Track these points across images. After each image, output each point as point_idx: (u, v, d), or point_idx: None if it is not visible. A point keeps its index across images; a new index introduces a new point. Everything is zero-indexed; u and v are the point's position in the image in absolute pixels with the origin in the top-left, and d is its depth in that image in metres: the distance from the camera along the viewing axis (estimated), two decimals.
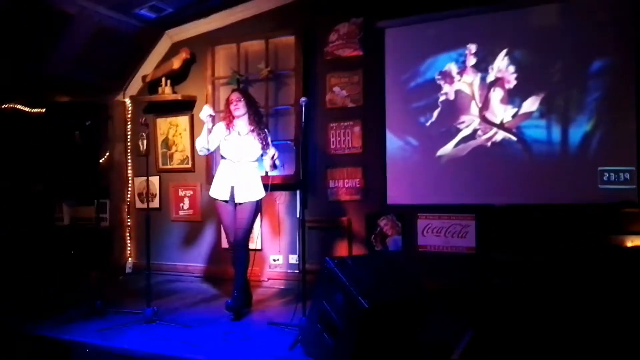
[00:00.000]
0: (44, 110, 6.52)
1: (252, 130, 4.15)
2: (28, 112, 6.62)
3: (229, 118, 4.18)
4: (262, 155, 4.19)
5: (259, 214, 4.40)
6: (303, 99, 3.78)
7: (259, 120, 4.22)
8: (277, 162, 4.20)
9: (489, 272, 4.35)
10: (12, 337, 3.85)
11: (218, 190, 4.18)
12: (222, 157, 4.21)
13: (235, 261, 4.16)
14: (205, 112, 4.10)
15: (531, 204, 4.33)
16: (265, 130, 4.25)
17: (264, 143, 4.15)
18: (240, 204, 4.13)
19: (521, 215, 4.35)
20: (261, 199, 4.21)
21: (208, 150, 4.20)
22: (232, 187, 4.12)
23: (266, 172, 4.24)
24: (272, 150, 4.20)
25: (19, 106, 6.60)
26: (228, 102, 4.20)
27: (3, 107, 6.61)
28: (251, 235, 4.29)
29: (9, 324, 4.00)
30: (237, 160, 4.14)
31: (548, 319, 3.65)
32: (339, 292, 3.04)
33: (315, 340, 3.17)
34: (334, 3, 5.01)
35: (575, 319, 3.54)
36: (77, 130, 6.00)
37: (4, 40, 4.65)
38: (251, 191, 4.13)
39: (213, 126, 4.17)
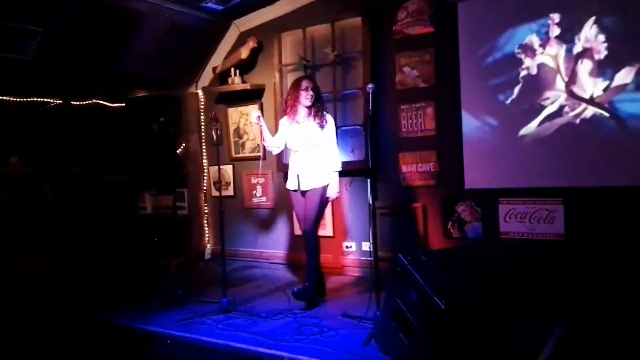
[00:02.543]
0: (123, 104, 6.80)
1: (309, 114, 4.08)
2: (109, 106, 6.94)
3: (295, 106, 4.11)
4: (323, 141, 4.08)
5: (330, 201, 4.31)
6: (370, 85, 3.63)
7: (319, 105, 4.12)
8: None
9: (581, 261, 4.04)
10: (95, 327, 4.06)
11: (289, 181, 4.23)
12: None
13: (306, 250, 4.16)
14: (254, 115, 4.13)
15: (626, 185, 3.93)
16: (325, 114, 4.14)
17: (321, 121, 4.06)
18: (307, 191, 4.10)
19: (615, 198, 3.98)
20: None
21: (278, 147, 4.25)
22: (297, 176, 4.12)
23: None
24: (332, 152, 4.11)
25: (100, 101, 6.94)
26: (298, 89, 4.09)
27: (86, 102, 6.98)
28: (321, 222, 4.24)
29: (93, 313, 4.22)
30: (299, 148, 4.12)
31: None
32: (413, 291, 2.91)
33: (389, 338, 3.07)
34: None
35: None
36: (154, 123, 6.19)
37: (82, 41, 4.83)
38: (315, 178, 4.08)
39: (263, 122, 4.14)
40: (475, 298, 3.06)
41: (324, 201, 4.14)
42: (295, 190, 4.18)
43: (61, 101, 6.87)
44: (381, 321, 3.28)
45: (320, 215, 4.17)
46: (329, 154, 4.11)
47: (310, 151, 4.09)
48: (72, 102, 6.96)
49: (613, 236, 3.95)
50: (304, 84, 4.09)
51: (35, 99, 6.60)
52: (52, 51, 4.69)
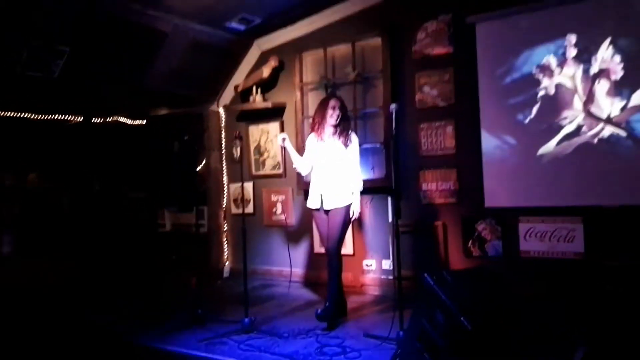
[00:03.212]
0: (144, 122, 6.91)
1: (334, 133, 4.13)
2: (130, 124, 7.05)
3: (322, 124, 4.17)
4: (347, 159, 4.13)
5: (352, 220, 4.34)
6: (392, 105, 3.70)
7: (345, 125, 4.17)
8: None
9: (601, 280, 4.04)
10: (116, 346, 4.05)
11: (311, 199, 4.25)
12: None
13: (328, 269, 4.17)
14: (279, 138, 4.22)
15: None
16: (351, 133, 4.20)
17: (345, 140, 4.10)
18: (330, 210, 4.13)
19: (634, 216, 3.98)
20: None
21: (307, 167, 4.30)
22: (321, 195, 4.15)
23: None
24: (355, 171, 4.15)
25: (121, 119, 7.05)
26: (325, 107, 4.15)
27: (107, 120, 7.10)
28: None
29: (115, 332, 4.23)
30: (323, 166, 4.15)
31: None
32: (439, 311, 2.94)
33: (414, 358, 3.09)
34: (420, 1, 4.86)
35: None
36: (176, 141, 6.28)
37: (107, 59, 4.96)
38: (339, 197, 4.10)
39: (289, 145, 4.25)
40: (499, 319, 3.09)
41: (347, 220, 4.15)
42: (317, 210, 4.21)
43: (82, 118, 7.00)
44: (405, 341, 3.30)
45: (343, 234, 4.19)
46: (352, 173, 4.14)
47: (334, 170, 4.13)
48: (93, 120, 7.08)
49: (634, 255, 3.96)
50: (331, 103, 4.15)
51: (56, 117, 6.72)
52: (77, 70, 4.81)
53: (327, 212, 4.16)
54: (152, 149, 6.71)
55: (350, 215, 4.16)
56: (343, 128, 4.14)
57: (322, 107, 4.19)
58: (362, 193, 4.31)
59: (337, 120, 4.11)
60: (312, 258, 5.54)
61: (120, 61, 5.06)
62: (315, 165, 4.22)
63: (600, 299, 3.96)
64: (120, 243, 6.62)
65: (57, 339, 4.18)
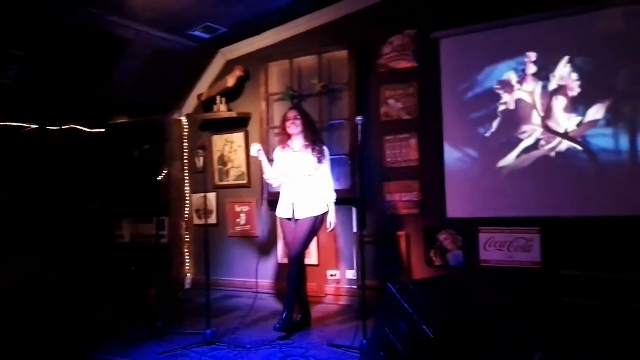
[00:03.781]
0: (102, 130, 6.75)
1: (307, 146, 4.18)
2: (87, 132, 6.86)
3: (284, 136, 4.25)
4: (318, 170, 4.18)
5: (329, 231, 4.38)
6: (359, 117, 3.73)
7: (314, 137, 4.25)
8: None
9: (556, 289, 4.17)
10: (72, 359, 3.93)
11: (281, 208, 4.27)
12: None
13: (287, 277, 4.16)
14: (254, 148, 4.26)
15: (599, 216, 4.12)
16: (322, 146, 4.27)
17: (320, 155, 4.16)
18: (299, 219, 4.16)
19: (589, 227, 4.14)
20: (323, 215, 4.21)
21: (278, 178, 4.32)
22: (293, 204, 4.17)
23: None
24: (328, 182, 4.24)
25: (78, 126, 6.86)
26: (284, 120, 4.25)
27: (63, 127, 6.89)
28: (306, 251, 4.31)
29: (70, 345, 4.09)
30: (294, 176, 4.18)
31: (625, 342, 3.45)
32: (401, 319, 2.97)
33: None
34: (386, 16, 4.93)
35: None
36: (136, 150, 6.16)
37: (65, 65, 4.83)
38: (311, 207, 4.15)
39: (265, 156, 4.32)
40: (460, 327, 3.14)
41: (314, 229, 4.20)
42: (288, 219, 4.22)
43: (37, 126, 6.77)
44: (368, 350, 3.32)
45: (309, 242, 4.25)
46: (325, 185, 4.22)
47: (305, 180, 4.17)
48: (48, 127, 6.87)
49: (586, 264, 4.10)
50: (289, 114, 4.26)
51: (7, 124, 6.48)
52: (33, 75, 4.68)
53: (296, 220, 4.18)
54: (111, 158, 6.56)
55: (328, 227, 4.25)
56: (313, 141, 4.20)
57: (283, 118, 4.29)
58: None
59: (299, 130, 4.18)
60: (277, 269, 5.50)
61: (78, 67, 4.94)
62: (286, 174, 4.24)
63: (557, 308, 4.09)
64: (75, 254, 6.41)
65: (11, 352, 4.03)
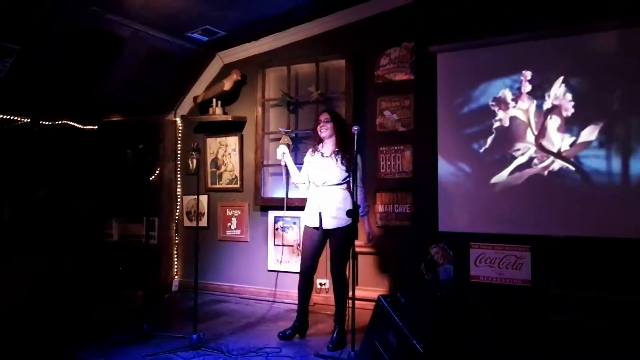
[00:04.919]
0: (96, 127, 6.69)
1: (336, 152, 4.01)
2: (81, 128, 6.80)
3: (316, 139, 4.14)
4: (347, 179, 3.99)
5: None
6: (355, 127, 3.72)
7: (345, 142, 4.01)
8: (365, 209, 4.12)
9: (545, 308, 4.19)
10: None
11: (308, 217, 4.11)
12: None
13: (334, 293, 4.10)
14: (280, 151, 4.20)
15: (590, 236, 4.15)
16: (353, 152, 3.81)
17: (349, 164, 3.92)
18: (332, 231, 3.99)
19: (580, 248, 4.17)
20: (352, 225, 3.77)
21: (304, 183, 4.20)
22: (320, 214, 4.01)
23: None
24: (359, 192, 3.89)
25: (72, 122, 6.79)
26: (316, 122, 4.15)
27: (57, 123, 6.82)
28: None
29: (55, 346, 4.03)
30: (321, 184, 4.04)
31: None
32: (392, 333, 2.97)
33: None
34: (385, 27, 4.95)
35: None
36: (128, 149, 6.11)
37: (60, 61, 4.79)
38: (340, 216, 3.92)
39: (289, 159, 4.24)
40: (451, 341, 3.15)
41: (349, 241, 3.83)
42: (316, 228, 4.03)
43: (29, 120, 6.70)
44: None
45: (347, 255, 3.88)
46: (359, 194, 3.87)
47: (333, 188, 4.00)
48: (42, 122, 6.80)
49: (576, 284, 4.13)
50: (321, 116, 4.12)
51: (0, 116, 6.41)
52: (27, 70, 4.63)
53: (325, 232, 4.03)
54: (103, 156, 6.51)
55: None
56: (344, 147, 3.99)
57: (315, 122, 4.18)
58: None
59: (331, 134, 4.04)
60: (265, 275, 5.48)
61: (74, 64, 4.90)
62: (314, 180, 4.10)
63: (546, 326, 4.11)
64: (63, 252, 6.34)
65: None
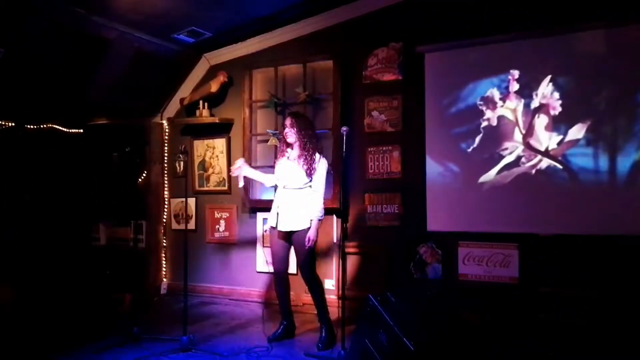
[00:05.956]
0: (81, 130, 6.62)
1: (300, 156, 4.02)
2: (65, 132, 6.73)
3: (284, 143, 4.16)
4: (307, 183, 4.01)
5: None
6: (344, 128, 3.74)
7: (311, 145, 4.02)
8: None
9: (533, 306, 4.21)
10: None
11: (270, 216, 4.17)
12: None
13: (311, 296, 4.16)
14: (235, 172, 4.22)
15: (577, 234, 4.18)
16: (317, 156, 4.01)
17: (309, 168, 3.96)
18: (293, 234, 4.03)
19: (567, 245, 4.21)
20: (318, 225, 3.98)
21: (272, 183, 4.26)
22: (277, 214, 4.07)
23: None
24: (316, 196, 3.99)
25: (57, 126, 6.72)
26: (283, 127, 4.18)
27: (42, 127, 6.74)
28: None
29: (43, 350, 3.98)
30: (284, 186, 4.08)
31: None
32: (382, 332, 2.96)
33: None
34: (372, 28, 4.95)
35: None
36: (115, 152, 6.05)
37: (45, 64, 4.75)
38: (296, 219, 3.99)
39: (248, 171, 4.27)
40: (440, 340, 3.15)
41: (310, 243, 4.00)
42: (274, 228, 4.12)
43: (14, 124, 6.62)
44: None
45: (313, 257, 4.08)
46: (313, 200, 3.99)
47: (294, 191, 4.03)
48: (27, 126, 6.72)
49: (564, 282, 4.16)
50: (285, 121, 4.14)
51: None
52: (12, 73, 4.57)
53: (286, 233, 4.07)
54: (89, 160, 6.44)
55: (306, 242, 3.95)
56: (307, 151, 4.00)
57: (282, 127, 4.21)
58: None
59: (294, 137, 4.04)
60: (254, 276, 5.45)
61: (59, 67, 4.86)
62: (278, 182, 4.15)
63: (533, 324, 4.14)
64: (50, 256, 6.27)
65: None
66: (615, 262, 4.04)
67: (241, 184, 4.24)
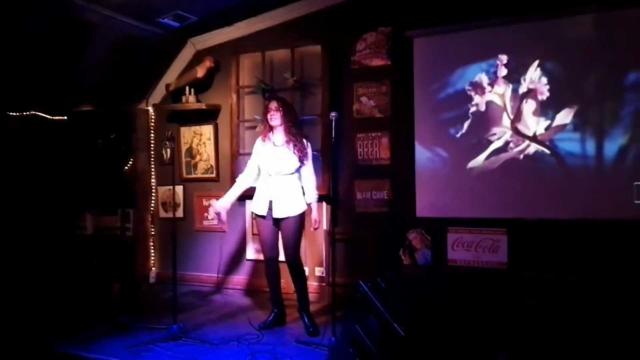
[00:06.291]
0: (65, 117, 6.51)
1: (288, 142, 4.02)
2: (49, 119, 6.62)
3: (267, 128, 4.11)
4: (299, 168, 4.03)
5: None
6: (333, 113, 3.70)
7: (296, 131, 4.05)
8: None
9: (521, 291, 4.25)
10: (34, 355, 3.80)
11: (257, 205, 4.11)
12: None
13: (293, 282, 4.17)
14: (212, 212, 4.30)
15: (564, 218, 4.21)
16: (305, 141, 4.08)
17: (302, 154, 4.00)
18: (282, 220, 4.02)
19: (555, 230, 4.23)
20: (303, 213, 4.08)
21: (253, 175, 4.18)
22: (270, 202, 4.02)
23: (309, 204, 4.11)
24: (311, 180, 4.10)
25: (39, 113, 6.60)
26: (266, 110, 4.10)
27: (25, 114, 6.62)
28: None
29: (32, 340, 3.95)
30: (274, 173, 4.03)
31: (584, 346, 3.54)
32: (373, 317, 2.96)
33: None
34: (361, 12, 4.90)
35: (617, 345, 3.42)
36: (100, 139, 5.96)
37: (27, 50, 4.64)
38: (291, 206, 4.00)
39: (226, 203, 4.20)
40: (430, 325, 3.17)
41: (301, 228, 4.09)
42: (263, 217, 4.08)
43: None
44: (338, 348, 3.31)
45: (299, 242, 4.12)
46: (307, 183, 4.09)
47: (285, 177, 4.01)
48: (9, 113, 6.60)
49: (551, 266, 4.19)
50: (270, 104, 4.08)
51: None
52: None
53: (276, 220, 4.05)
54: (74, 147, 6.34)
55: (313, 225, 4.10)
56: (295, 136, 4.02)
57: (265, 109, 4.13)
58: None
59: (280, 122, 4.02)
60: (244, 264, 5.44)
61: (42, 52, 4.75)
62: (265, 170, 4.07)
63: (521, 309, 4.17)
64: (36, 247, 6.19)
65: None
66: (602, 247, 4.07)
67: (224, 218, 4.23)
